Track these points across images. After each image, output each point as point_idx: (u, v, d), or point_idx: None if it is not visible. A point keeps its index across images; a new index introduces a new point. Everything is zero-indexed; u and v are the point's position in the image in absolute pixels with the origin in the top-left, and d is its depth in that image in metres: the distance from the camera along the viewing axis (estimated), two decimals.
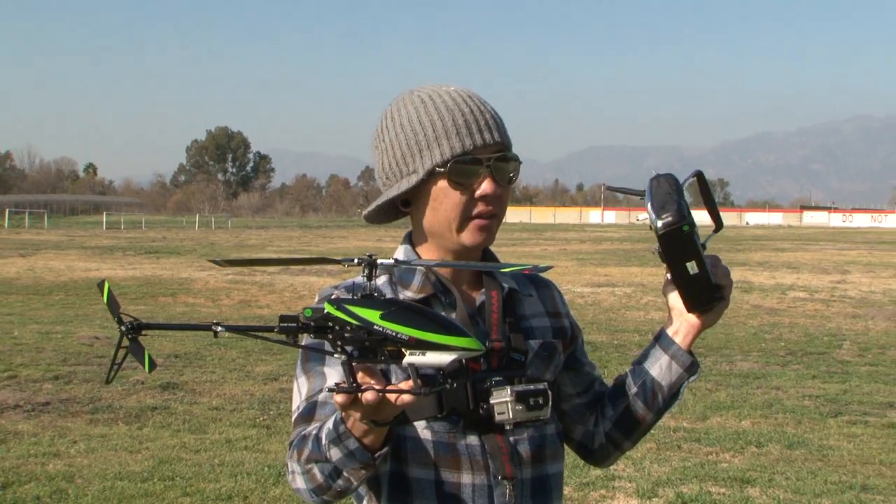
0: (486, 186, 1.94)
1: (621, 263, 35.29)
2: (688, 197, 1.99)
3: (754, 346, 15.62)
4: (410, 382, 1.52)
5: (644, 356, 2.12)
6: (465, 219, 1.97)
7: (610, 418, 2.16)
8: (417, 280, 2.03)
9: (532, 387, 1.57)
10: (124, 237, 56.77)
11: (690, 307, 2.01)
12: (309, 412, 1.93)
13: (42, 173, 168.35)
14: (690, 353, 2.07)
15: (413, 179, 1.98)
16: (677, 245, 1.92)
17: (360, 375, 1.55)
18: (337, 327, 1.55)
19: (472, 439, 1.93)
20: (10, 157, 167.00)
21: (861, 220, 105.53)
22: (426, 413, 1.88)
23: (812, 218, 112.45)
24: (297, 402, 1.98)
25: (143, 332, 1.66)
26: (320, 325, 1.57)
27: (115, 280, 27.17)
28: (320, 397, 1.93)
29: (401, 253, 2.10)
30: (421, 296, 2.00)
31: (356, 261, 1.63)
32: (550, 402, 1.58)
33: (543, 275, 2.17)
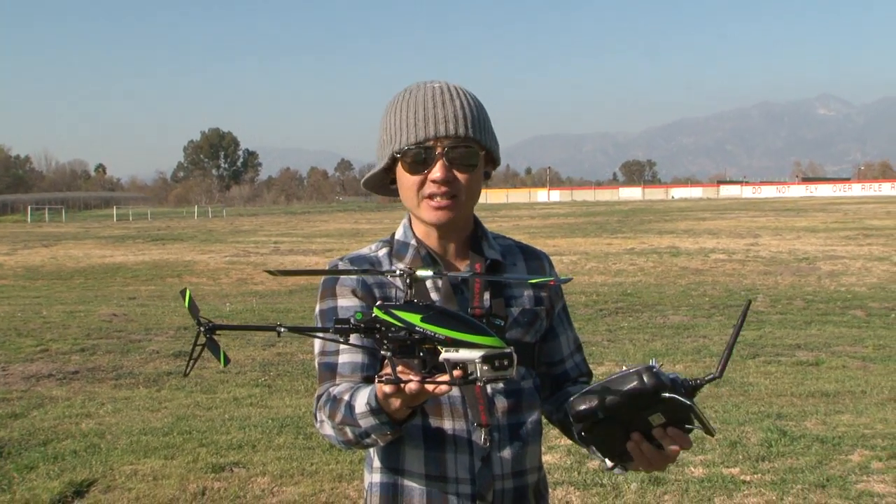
0: (435, 171, 1.94)
1: (567, 235, 35.46)
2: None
3: (683, 301, 15.79)
4: (446, 376, 1.56)
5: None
6: (420, 198, 1.99)
7: (558, 416, 2.13)
8: (410, 254, 2.06)
9: (498, 350, 1.61)
10: (133, 227, 56.23)
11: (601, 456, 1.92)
12: (331, 371, 1.97)
13: (58, 174, 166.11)
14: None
15: (382, 164, 2.04)
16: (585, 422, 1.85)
17: (399, 369, 1.59)
18: (383, 328, 1.60)
19: (454, 390, 1.95)
20: (30, 160, 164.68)
21: (768, 192, 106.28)
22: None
23: (727, 191, 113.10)
24: (317, 348, 2.01)
25: (217, 332, 1.69)
26: (369, 325, 1.61)
27: (128, 265, 26.95)
28: (340, 359, 1.96)
29: (400, 227, 2.12)
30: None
31: (398, 272, 1.68)
32: (515, 364, 1.61)
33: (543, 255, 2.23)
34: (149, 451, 6.75)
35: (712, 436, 1.87)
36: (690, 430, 1.83)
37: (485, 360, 1.55)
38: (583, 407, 1.83)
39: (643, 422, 1.82)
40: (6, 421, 7.75)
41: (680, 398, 1.77)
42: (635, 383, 1.78)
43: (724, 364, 1.80)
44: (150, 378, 9.64)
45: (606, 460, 1.89)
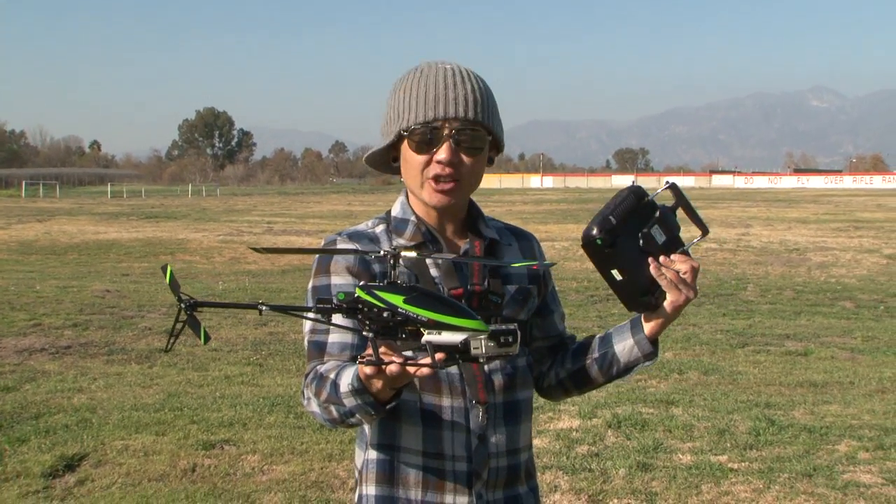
0: (441, 151, 1.94)
1: (559, 221, 35.47)
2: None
3: None
4: (428, 358, 1.54)
5: (616, 330, 2.09)
6: (424, 179, 1.98)
7: (567, 369, 2.16)
8: (409, 230, 2.05)
9: (504, 326, 1.59)
10: (127, 204, 56.05)
11: (626, 307, 1.97)
12: (319, 349, 1.96)
13: (53, 149, 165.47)
14: (654, 342, 2.02)
15: (387, 140, 2.02)
16: (596, 256, 1.89)
17: (381, 350, 1.58)
18: (366, 309, 1.58)
19: (452, 368, 1.95)
20: (25, 136, 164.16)
21: (760, 182, 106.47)
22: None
23: (720, 181, 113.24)
24: (307, 326, 2.00)
25: (199, 309, 1.67)
26: (352, 306, 1.59)
27: (122, 242, 26.88)
28: (330, 338, 1.95)
29: (398, 204, 2.11)
30: (412, 243, 2.01)
31: (382, 253, 1.66)
32: (519, 340, 1.60)
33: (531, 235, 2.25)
34: (140, 426, 6.74)
35: (707, 233, 1.98)
36: (688, 251, 1.94)
37: (490, 336, 1.54)
38: (594, 228, 1.86)
39: (650, 242, 1.90)
40: None
41: (665, 205, 1.93)
42: (621, 191, 1.91)
43: (701, 221, 1.99)
44: (143, 354, 9.62)
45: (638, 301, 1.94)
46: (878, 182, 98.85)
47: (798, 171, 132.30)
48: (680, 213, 2.01)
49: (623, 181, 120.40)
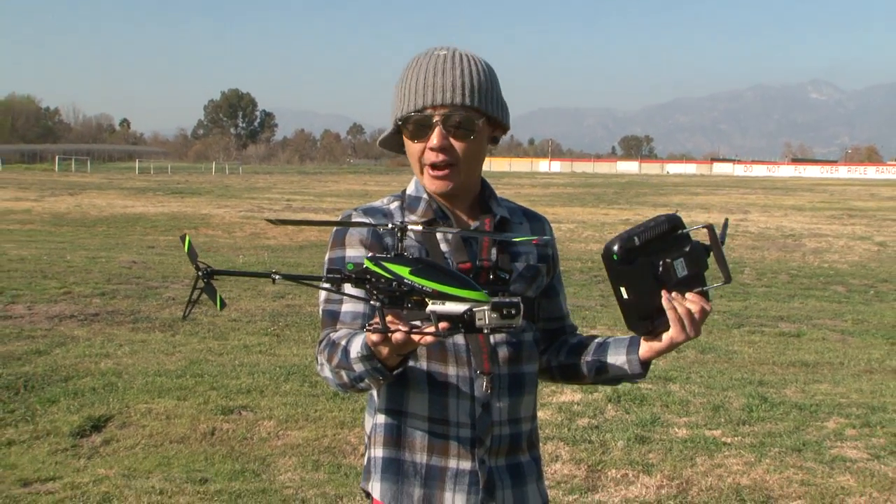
0: (433, 138, 1.92)
1: (566, 204, 35.40)
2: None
3: None
4: (433, 327, 1.55)
5: (614, 342, 2.07)
6: (422, 166, 1.97)
7: (560, 360, 2.15)
8: (422, 207, 2.04)
9: (507, 299, 1.59)
10: (154, 180, 56.14)
11: (626, 325, 1.93)
12: (332, 318, 1.96)
13: (84, 126, 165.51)
14: (645, 364, 2.00)
15: (388, 130, 2.04)
16: (609, 269, 1.86)
17: (388, 318, 1.58)
18: (373, 279, 1.59)
19: (459, 338, 1.95)
20: (59, 112, 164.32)
21: (759, 171, 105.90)
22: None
23: (720, 168, 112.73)
24: (322, 295, 2.00)
25: (215, 277, 1.67)
26: (360, 276, 1.60)
27: (148, 215, 26.95)
28: (343, 308, 1.95)
29: (412, 182, 2.10)
30: (424, 220, 2.00)
31: (390, 226, 1.67)
32: (522, 313, 1.60)
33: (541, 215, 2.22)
34: (163, 391, 6.77)
35: (729, 282, 1.88)
36: (707, 293, 1.87)
37: (493, 307, 1.54)
38: (616, 244, 1.83)
39: (669, 272, 1.84)
40: (31, 357, 7.78)
41: (699, 241, 1.86)
42: (658, 216, 1.86)
43: (726, 269, 1.86)
44: (166, 323, 9.65)
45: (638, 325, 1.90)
46: (871, 172, 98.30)
47: (796, 160, 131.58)
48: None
49: (628, 167, 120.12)
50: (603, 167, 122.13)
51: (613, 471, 5.35)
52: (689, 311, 1.84)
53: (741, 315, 11.31)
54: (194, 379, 7.14)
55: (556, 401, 6.72)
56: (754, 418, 6.40)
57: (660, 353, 1.95)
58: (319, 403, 6.52)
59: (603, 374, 2.07)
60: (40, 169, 77.53)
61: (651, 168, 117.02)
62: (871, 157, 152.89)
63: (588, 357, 2.10)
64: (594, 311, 11.28)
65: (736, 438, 5.93)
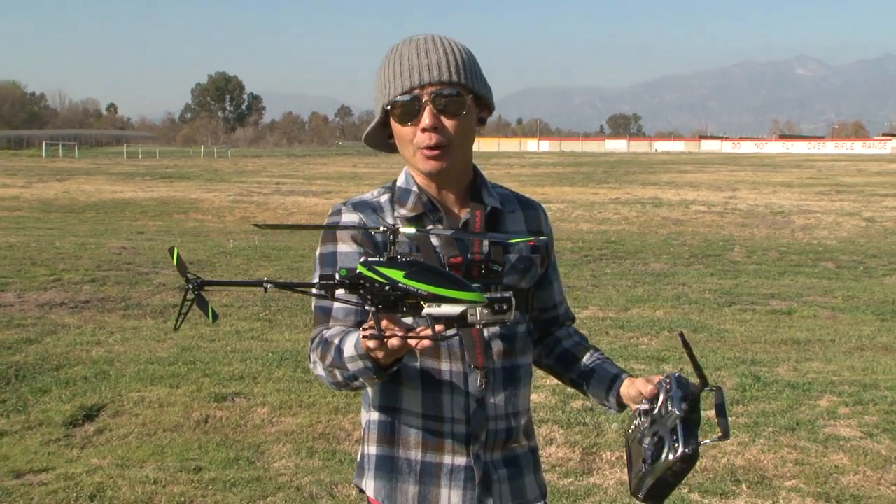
0: (424, 118, 1.89)
1: (555, 184, 35.36)
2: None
3: (664, 250, 15.77)
4: (429, 330, 1.53)
5: (598, 377, 2.07)
6: (414, 149, 1.93)
7: (549, 363, 2.18)
8: (411, 200, 2.00)
9: (498, 294, 1.58)
10: (142, 165, 55.83)
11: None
12: (325, 314, 1.94)
13: (71, 111, 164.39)
14: (622, 405, 2.02)
15: (377, 118, 1.99)
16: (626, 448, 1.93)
17: (384, 323, 1.56)
18: (367, 284, 1.56)
19: (452, 333, 1.94)
20: (45, 98, 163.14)
21: (747, 147, 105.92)
22: None
23: (708, 146, 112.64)
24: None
25: (206, 288, 1.63)
26: (354, 282, 1.57)
27: (137, 200, 26.82)
28: (335, 303, 1.91)
29: (402, 174, 2.06)
30: (413, 213, 1.97)
31: (382, 229, 1.64)
32: (513, 308, 1.58)
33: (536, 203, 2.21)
34: (155, 379, 6.73)
35: (705, 386, 1.83)
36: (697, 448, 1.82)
37: (486, 303, 1.53)
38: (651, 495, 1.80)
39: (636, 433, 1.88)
40: (21, 346, 7.72)
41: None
42: (686, 451, 1.79)
43: (701, 373, 1.82)
44: (157, 309, 9.60)
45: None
46: (858, 148, 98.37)
47: (783, 136, 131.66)
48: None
49: (616, 145, 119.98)
50: (592, 146, 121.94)
51: (608, 453, 5.34)
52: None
53: (732, 293, 11.32)
54: (186, 366, 7.10)
55: (550, 383, 6.70)
56: (748, 398, 6.40)
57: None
58: (313, 389, 6.49)
59: (584, 395, 2.13)
60: (27, 155, 77.04)
61: (640, 146, 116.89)
62: (858, 132, 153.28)
63: (573, 375, 2.14)
64: (585, 292, 11.26)
65: (729, 418, 5.92)
